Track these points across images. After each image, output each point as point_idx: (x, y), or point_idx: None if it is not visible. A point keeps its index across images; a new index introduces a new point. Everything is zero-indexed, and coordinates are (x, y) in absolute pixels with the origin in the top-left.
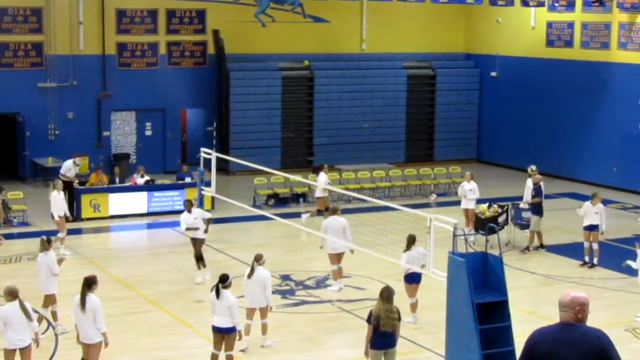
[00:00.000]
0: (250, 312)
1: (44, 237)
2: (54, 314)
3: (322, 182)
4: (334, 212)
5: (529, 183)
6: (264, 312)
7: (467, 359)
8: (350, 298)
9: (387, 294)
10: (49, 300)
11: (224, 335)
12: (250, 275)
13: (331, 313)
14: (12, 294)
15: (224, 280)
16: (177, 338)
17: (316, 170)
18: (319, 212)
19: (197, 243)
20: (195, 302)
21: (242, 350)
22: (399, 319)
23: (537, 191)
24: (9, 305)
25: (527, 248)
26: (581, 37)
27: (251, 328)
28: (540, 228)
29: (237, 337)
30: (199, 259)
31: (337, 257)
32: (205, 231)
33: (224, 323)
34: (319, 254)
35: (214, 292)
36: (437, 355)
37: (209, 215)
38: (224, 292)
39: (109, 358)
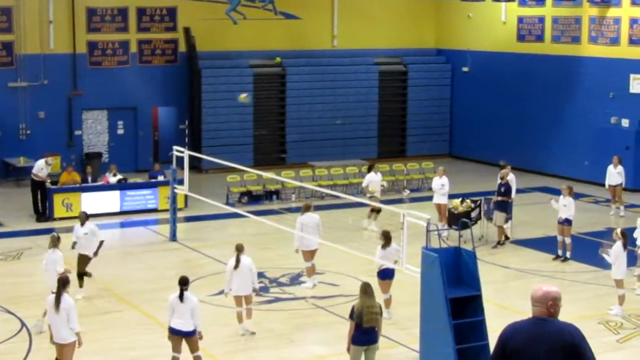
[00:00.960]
0: (238, 300)
1: (55, 234)
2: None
3: (376, 182)
4: (307, 209)
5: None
6: (248, 298)
7: (441, 354)
8: (324, 295)
9: (369, 290)
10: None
11: (184, 337)
12: (236, 267)
13: (305, 310)
14: None
15: (185, 283)
16: (151, 337)
17: (369, 170)
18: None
19: (82, 259)
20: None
21: (243, 335)
22: (381, 314)
23: (505, 189)
24: None
25: (498, 243)
26: (552, 32)
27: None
28: (505, 224)
29: (199, 338)
30: (81, 276)
31: (310, 254)
32: (95, 254)
33: (186, 326)
34: (292, 251)
35: (176, 296)
36: (411, 351)
37: (101, 236)
38: (187, 295)
39: (83, 358)
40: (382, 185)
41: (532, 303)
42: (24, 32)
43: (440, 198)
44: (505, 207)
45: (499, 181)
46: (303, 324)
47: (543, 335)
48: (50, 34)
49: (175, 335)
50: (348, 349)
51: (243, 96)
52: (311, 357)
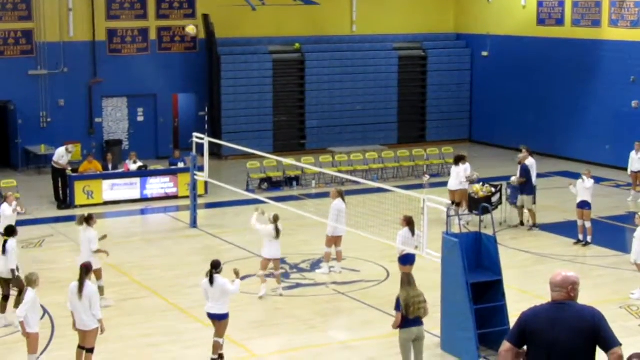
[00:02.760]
0: (266, 263)
1: (85, 214)
2: (100, 289)
3: (460, 174)
4: (340, 194)
5: None
6: (277, 263)
7: (462, 338)
8: (345, 280)
9: (412, 279)
10: (95, 275)
11: (215, 321)
12: (277, 236)
13: (326, 296)
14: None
15: (217, 267)
16: (172, 323)
17: (457, 161)
18: (457, 205)
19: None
20: (190, 287)
21: (261, 297)
22: (425, 302)
23: (521, 170)
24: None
25: (534, 225)
26: (572, 15)
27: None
28: (534, 207)
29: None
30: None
31: (334, 240)
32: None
33: (218, 309)
34: (313, 237)
35: (207, 280)
36: (432, 336)
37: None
38: (217, 278)
39: (105, 344)
40: (475, 175)
41: (552, 288)
42: (43, 20)
43: (460, 184)
44: (528, 189)
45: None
46: (324, 310)
47: (563, 318)
48: (70, 21)
49: (210, 319)
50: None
51: (191, 27)
52: (332, 342)
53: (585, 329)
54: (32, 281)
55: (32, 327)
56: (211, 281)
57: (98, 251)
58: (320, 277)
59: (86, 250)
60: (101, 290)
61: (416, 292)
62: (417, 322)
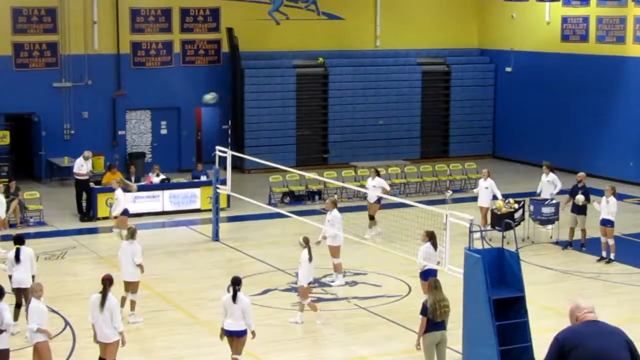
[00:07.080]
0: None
1: (133, 227)
2: (132, 303)
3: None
4: (335, 204)
5: (544, 178)
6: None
7: (484, 355)
8: (367, 295)
9: (439, 285)
10: (131, 287)
11: (234, 338)
12: (310, 260)
13: (348, 310)
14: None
15: (238, 283)
16: (194, 336)
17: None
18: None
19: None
20: (212, 301)
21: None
22: (449, 307)
23: (585, 191)
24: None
25: (582, 245)
26: (596, 32)
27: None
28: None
29: (252, 337)
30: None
31: (339, 250)
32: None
33: (237, 326)
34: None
35: (229, 296)
36: (454, 352)
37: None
38: (240, 295)
39: (126, 356)
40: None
41: (584, 312)
42: (68, 32)
43: (482, 201)
44: (585, 210)
45: (544, 179)
46: (345, 325)
47: (603, 332)
48: (95, 34)
49: (228, 336)
50: (417, 345)
51: (209, 97)
52: (353, 357)
53: (625, 341)
54: (36, 291)
55: (42, 337)
56: (234, 298)
57: (140, 265)
58: (344, 291)
59: (128, 264)
60: (132, 305)
61: (442, 297)
62: (441, 325)
